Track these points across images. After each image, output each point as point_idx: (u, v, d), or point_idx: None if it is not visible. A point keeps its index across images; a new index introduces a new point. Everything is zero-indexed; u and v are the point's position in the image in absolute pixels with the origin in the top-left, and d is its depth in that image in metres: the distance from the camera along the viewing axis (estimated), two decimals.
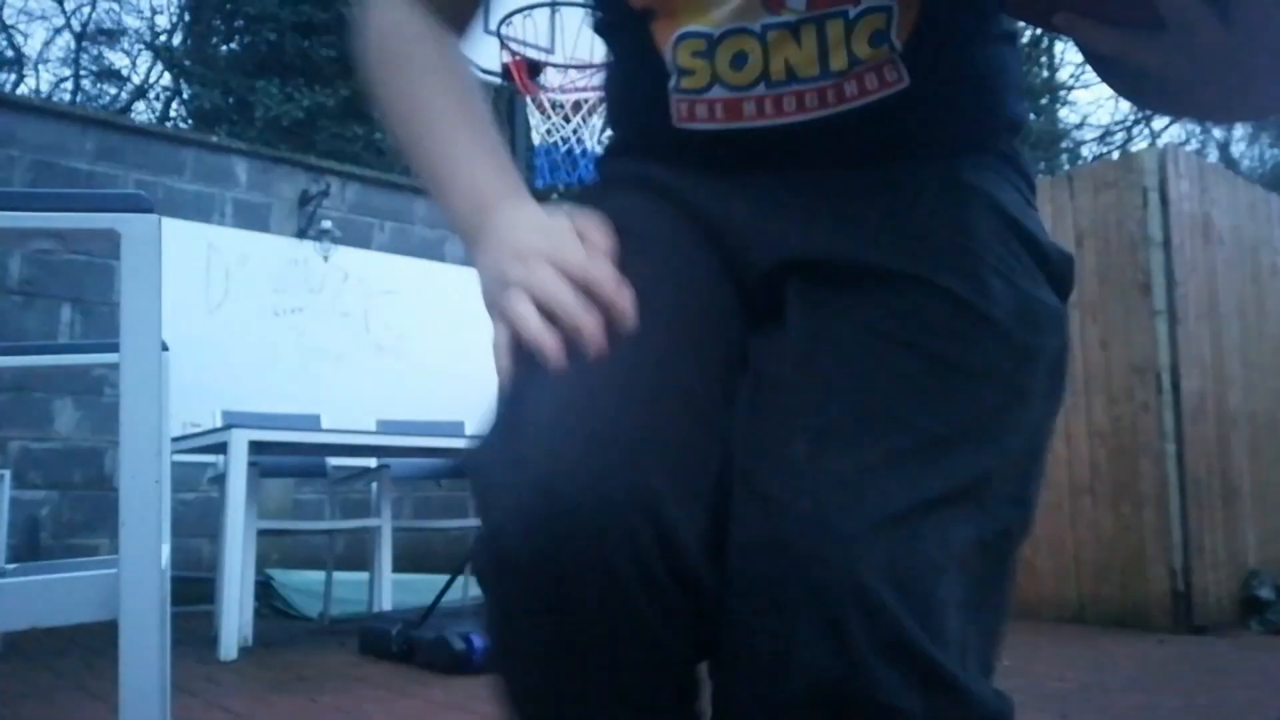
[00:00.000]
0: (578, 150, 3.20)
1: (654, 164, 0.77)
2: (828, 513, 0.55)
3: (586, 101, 3.25)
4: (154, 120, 11.31)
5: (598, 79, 3.35)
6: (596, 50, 3.57)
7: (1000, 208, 0.72)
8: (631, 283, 0.63)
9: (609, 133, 0.89)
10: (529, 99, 3.23)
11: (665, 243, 0.71)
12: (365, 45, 0.87)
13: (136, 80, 12.39)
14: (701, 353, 0.65)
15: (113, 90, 12.46)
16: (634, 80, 0.78)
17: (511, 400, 0.61)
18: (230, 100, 9.07)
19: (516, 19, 3.19)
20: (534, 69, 3.22)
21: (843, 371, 0.63)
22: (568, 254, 0.63)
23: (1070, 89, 16.59)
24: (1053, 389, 0.69)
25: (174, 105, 11.50)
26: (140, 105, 12.13)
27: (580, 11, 3.54)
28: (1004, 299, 0.67)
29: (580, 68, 3.29)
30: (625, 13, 0.74)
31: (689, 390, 0.62)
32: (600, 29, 0.83)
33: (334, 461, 4.55)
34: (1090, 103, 28.19)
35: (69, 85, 12.39)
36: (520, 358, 0.62)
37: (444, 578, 3.78)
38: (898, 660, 0.52)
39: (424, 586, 4.59)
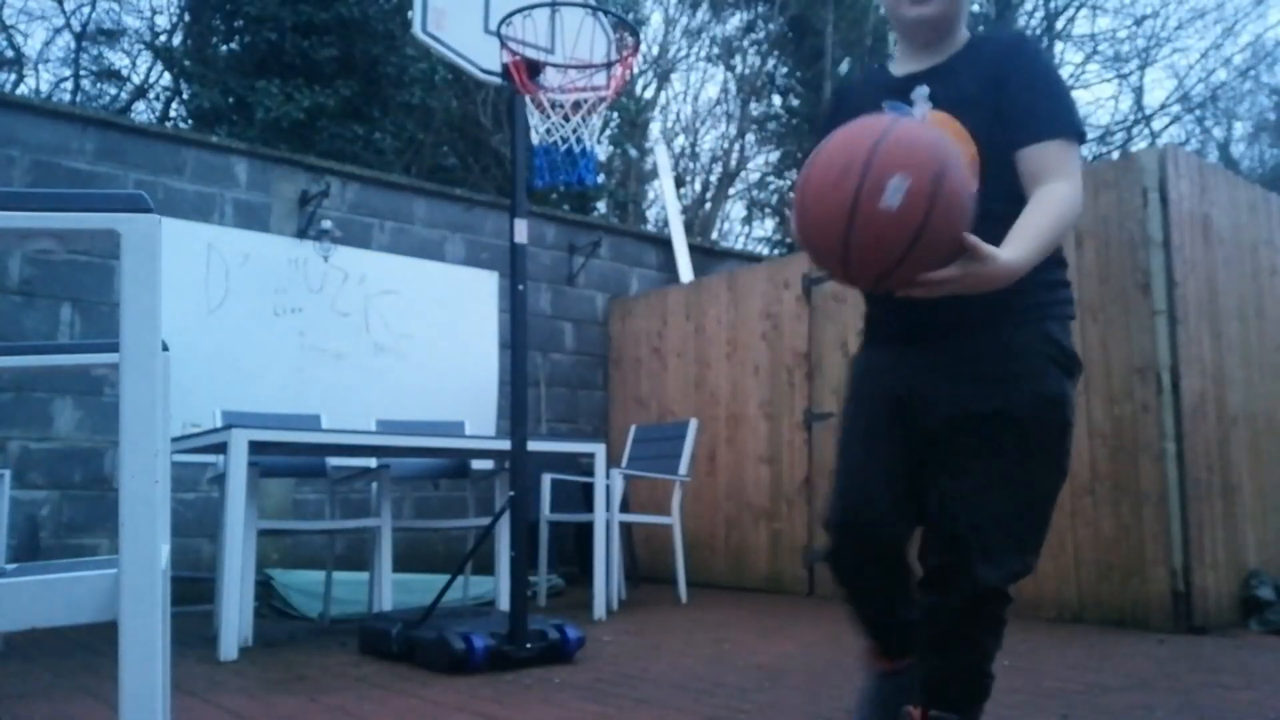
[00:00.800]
0: (577, 150, 3.20)
1: (875, 352, 1.70)
2: (966, 540, 1.53)
3: (586, 101, 3.25)
4: (154, 120, 11.31)
5: (598, 79, 3.35)
6: (596, 50, 3.57)
7: (1049, 340, 1.55)
8: (862, 424, 1.68)
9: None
10: (529, 99, 3.23)
11: (880, 400, 1.66)
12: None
13: (136, 80, 12.39)
14: (896, 456, 1.62)
15: (113, 90, 12.46)
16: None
17: (834, 479, 1.70)
18: (230, 100, 9.07)
19: (516, 19, 3.19)
20: (534, 69, 3.22)
21: (968, 485, 1.55)
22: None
23: (1070, 89, 16.51)
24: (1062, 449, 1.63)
25: (174, 105, 11.50)
26: (140, 105, 12.13)
27: (580, 12, 3.54)
28: (1035, 408, 1.55)
29: (580, 68, 3.29)
30: None
31: (893, 477, 1.62)
32: None
33: (334, 461, 4.55)
34: (1090, 103, 28.16)
35: (69, 85, 12.38)
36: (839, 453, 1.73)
37: (444, 578, 3.79)
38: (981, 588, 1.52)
39: (424, 586, 4.60)
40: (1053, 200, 1.41)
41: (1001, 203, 1.43)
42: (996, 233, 1.36)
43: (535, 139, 3.21)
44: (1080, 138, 1.49)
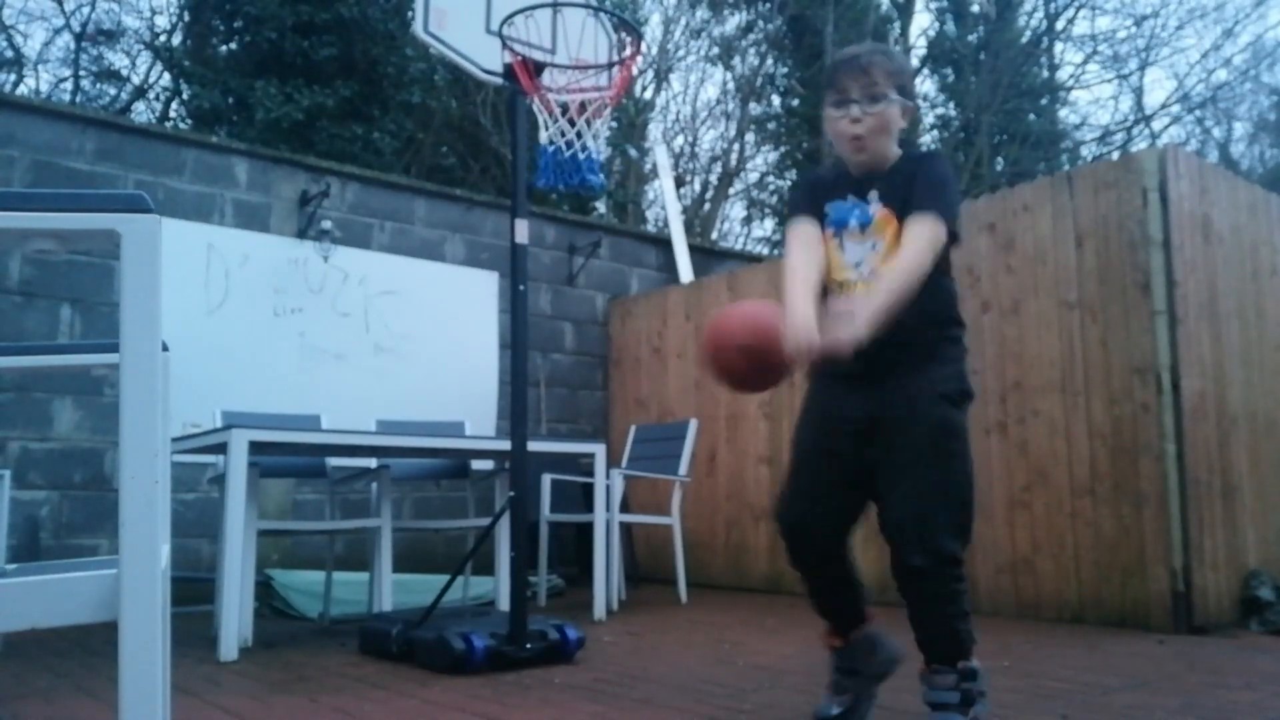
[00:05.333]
0: (581, 155, 3.19)
1: (826, 385, 2.19)
2: (907, 518, 1.98)
3: (591, 103, 3.25)
4: (154, 120, 11.30)
5: (601, 79, 3.35)
6: (599, 51, 3.57)
7: (948, 380, 2.06)
8: (811, 444, 2.17)
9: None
10: (532, 100, 3.22)
11: (829, 425, 2.13)
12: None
13: (136, 80, 12.40)
14: (839, 475, 2.09)
15: (112, 90, 12.46)
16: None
17: (786, 482, 2.19)
18: (230, 100, 9.07)
19: (518, 19, 3.18)
20: (537, 70, 3.22)
21: (898, 468, 2.02)
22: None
23: (1070, 89, 16.57)
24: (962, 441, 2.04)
25: (174, 105, 11.50)
26: (140, 105, 12.13)
27: (581, 13, 3.53)
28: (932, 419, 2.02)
29: (583, 68, 3.29)
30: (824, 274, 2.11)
31: (834, 492, 2.10)
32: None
33: (334, 461, 4.55)
34: (1090, 103, 28.13)
35: (69, 85, 12.39)
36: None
37: (444, 578, 3.79)
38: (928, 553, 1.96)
39: (424, 586, 4.60)
40: (893, 275, 1.90)
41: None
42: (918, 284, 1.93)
43: (544, 139, 3.20)
44: (948, 222, 1.95)
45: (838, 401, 2.09)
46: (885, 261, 1.99)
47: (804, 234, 2.09)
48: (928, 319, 1.99)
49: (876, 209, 2.05)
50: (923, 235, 1.93)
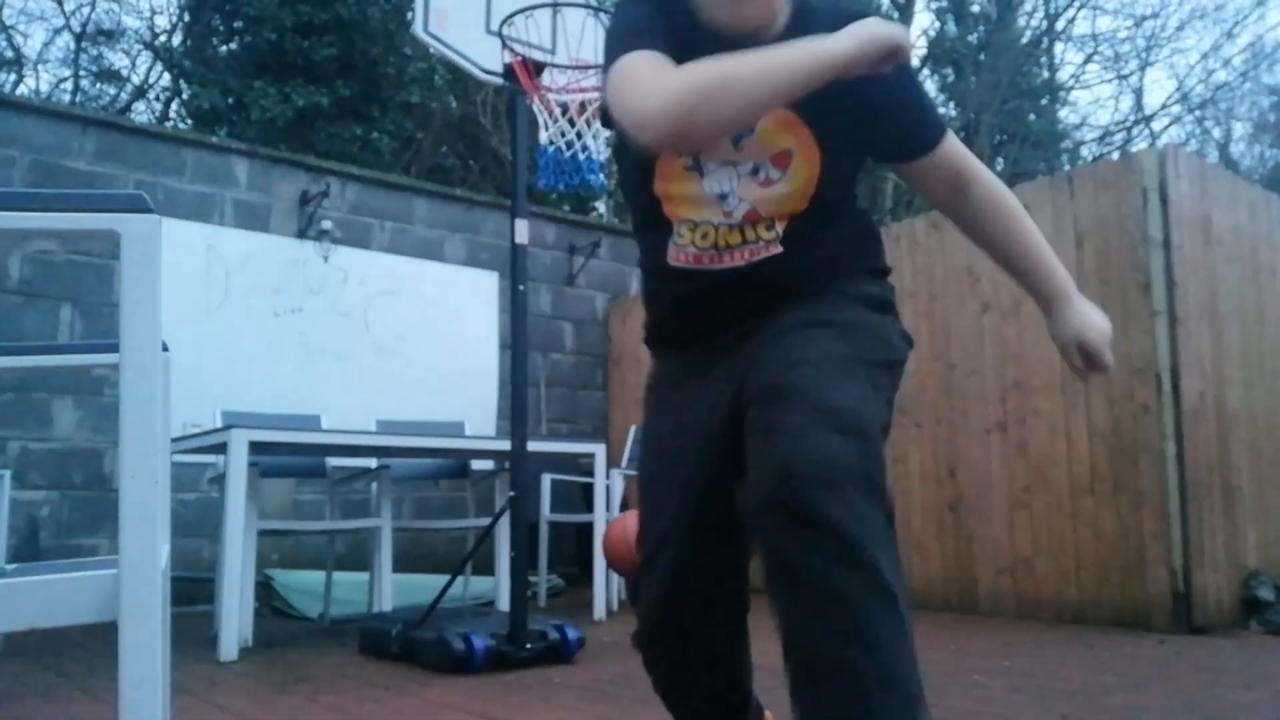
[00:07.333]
0: (581, 156, 3.19)
1: (668, 356, 1.43)
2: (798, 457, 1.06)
3: (591, 103, 3.25)
4: (154, 120, 11.31)
5: (600, 79, 3.34)
6: (599, 51, 3.56)
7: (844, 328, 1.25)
8: (658, 465, 1.37)
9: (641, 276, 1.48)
10: (532, 100, 3.22)
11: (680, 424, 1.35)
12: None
13: (136, 80, 12.40)
14: (703, 491, 1.30)
15: (112, 90, 12.47)
16: (651, 238, 1.35)
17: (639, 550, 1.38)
18: (229, 100, 9.07)
19: (518, 19, 3.18)
20: (537, 70, 3.22)
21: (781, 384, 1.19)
22: None
23: (1070, 89, 16.58)
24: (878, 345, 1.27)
25: (174, 106, 11.51)
26: (140, 105, 12.14)
27: (582, 13, 3.53)
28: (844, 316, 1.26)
29: (583, 68, 3.29)
30: (647, 194, 1.31)
31: (702, 524, 1.30)
32: (633, 208, 1.39)
33: (334, 462, 4.55)
34: (1090, 103, 28.17)
35: (69, 85, 12.39)
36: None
37: (444, 578, 3.78)
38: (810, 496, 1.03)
39: (424, 586, 4.60)
40: (1020, 213, 1.37)
41: (837, 194, 1.31)
42: (829, 218, 1.29)
43: (544, 139, 3.20)
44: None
45: (691, 397, 1.33)
46: (782, 205, 1.25)
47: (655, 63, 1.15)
48: (828, 266, 1.29)
49: None
50: (993, 178, 1.35)
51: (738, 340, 1.29)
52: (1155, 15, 18.15)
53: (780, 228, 1.27)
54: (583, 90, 3.28)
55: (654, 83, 1.10)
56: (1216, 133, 17.95)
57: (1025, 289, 1.40)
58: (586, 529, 5.01)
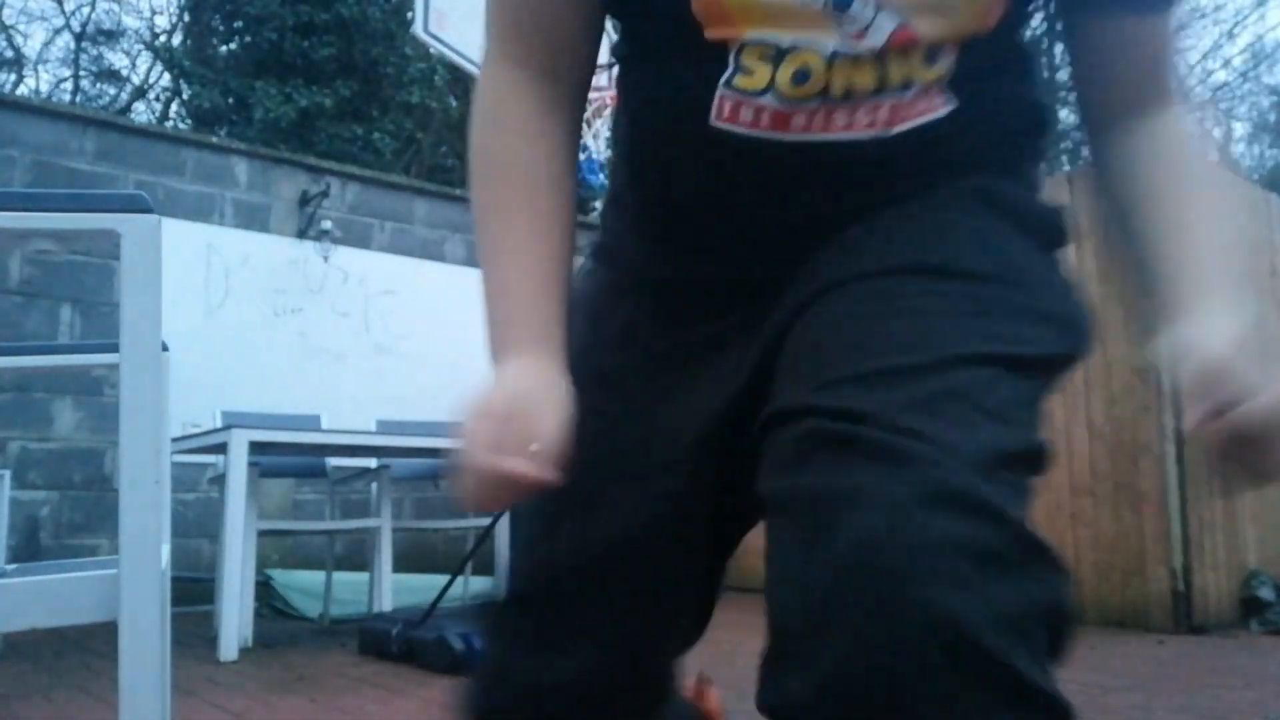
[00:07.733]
0: (581, 156, 3.20)
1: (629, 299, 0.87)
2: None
3: (591, 103, 3.25)
4: (154, 120, 11.31)
5: (601, 79, 3.34)
6: (600, 52, 3.56)
7: (985, 194, 0.75)
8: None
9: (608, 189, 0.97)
10: None
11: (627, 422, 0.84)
12: (476, 110, 0.87)
13: (136, 80, 12.40)
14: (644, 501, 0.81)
15: (112, 90, 12.47)
16: (670, 78, 0.75)
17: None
18: (230, 100, 9.08)
19: None
20: None
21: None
22: (508, 438, 0.71)
23: (1070, 89, 16.53)
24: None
25: (174, 106, 11.51)
26: (140, 105, 12.14)
27: None
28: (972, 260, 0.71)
29: None
30: (675, 18, 0.71)
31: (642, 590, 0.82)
32: (633, 32, 0.83)
33: (334, 461, 4.55)
34: None
35: (69, 85, 12.39)
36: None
37: (444, 578, 3.78)
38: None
39: (424, 586, 4.59)
40: (1212, 191, 0.78)
41: (1025, 11, 0.80)
42: (1006, 57, 0.78)
43: None
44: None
45: (652, 407, 0.84)
46: (962, 16, 0.70)
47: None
48: (996, 146, 0.78)
49: None
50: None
51: (774, 287, 0.75)
52: None
53: (947, 63, 0.71)
54: None
55: None
56: (1216, 132, 17.95)
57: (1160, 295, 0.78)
58: None
